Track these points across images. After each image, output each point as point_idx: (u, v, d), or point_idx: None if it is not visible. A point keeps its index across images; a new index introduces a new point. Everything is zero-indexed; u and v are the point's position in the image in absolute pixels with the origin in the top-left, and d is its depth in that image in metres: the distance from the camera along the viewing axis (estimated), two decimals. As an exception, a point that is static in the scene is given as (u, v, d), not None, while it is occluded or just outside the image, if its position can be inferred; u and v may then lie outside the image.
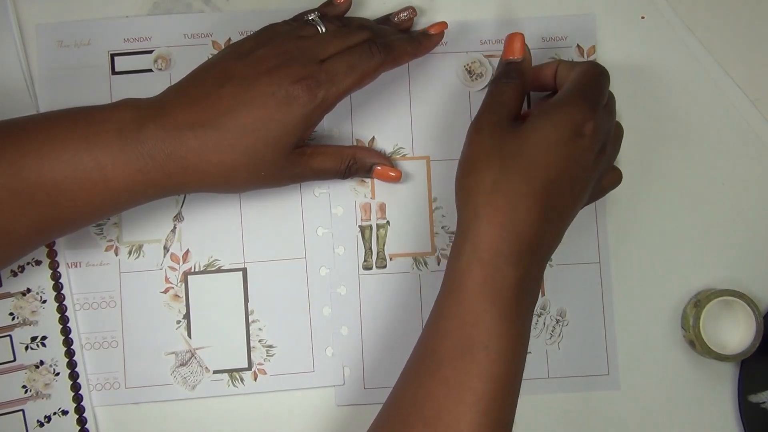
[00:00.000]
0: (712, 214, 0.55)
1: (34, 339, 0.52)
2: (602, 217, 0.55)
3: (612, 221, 0.55)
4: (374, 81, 0.49)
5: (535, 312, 0.52)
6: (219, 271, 0.53)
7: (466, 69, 0.55)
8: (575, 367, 0.54)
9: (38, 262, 0.52)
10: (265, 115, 0.45)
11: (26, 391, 0.52)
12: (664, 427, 0.54)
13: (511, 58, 0.49)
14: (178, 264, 0.54)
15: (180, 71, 0.54)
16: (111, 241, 0.54)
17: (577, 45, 0.56)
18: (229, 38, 0.55)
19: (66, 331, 0.52)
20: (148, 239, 0.54)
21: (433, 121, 0.55)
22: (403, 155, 0.55)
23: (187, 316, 0.53)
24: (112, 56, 0.55)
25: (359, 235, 0.54)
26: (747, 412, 0.53)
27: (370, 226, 0.54)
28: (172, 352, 0.53)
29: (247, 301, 0.53)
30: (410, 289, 0.54)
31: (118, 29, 0.55)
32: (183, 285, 0.53)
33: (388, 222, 0.54)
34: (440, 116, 0.55)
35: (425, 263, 0.54)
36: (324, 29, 0.49)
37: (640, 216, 0.55)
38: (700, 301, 0.52)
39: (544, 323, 0.54)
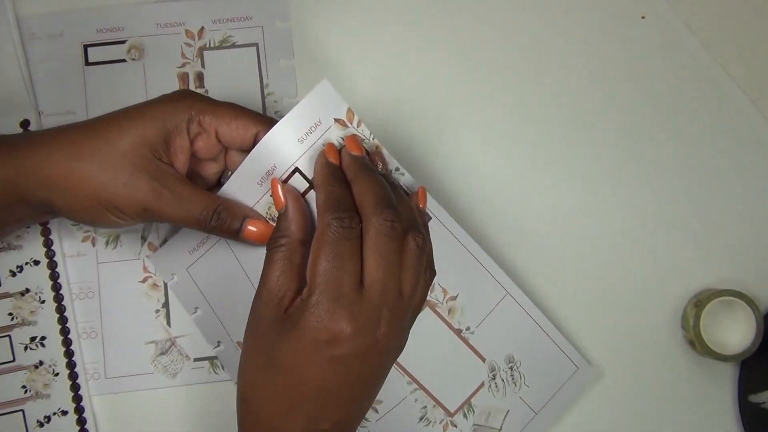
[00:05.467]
0: (712, 214, 0.55)
1: (33, 339, 0.52)
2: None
3: (607, 222, 0.55)
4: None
5: (488, 377, 0.51)
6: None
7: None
8: (550, 386, 0.53)
9: (36, 262, 0.52)
10: (125, 109, 0.44)
11: (26, 392, 0.51)
12: (665, 427, 0.54)
13: (277, 210, 0.44)
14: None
15: (153, 61, 0.54)
16: (87, 231, 0.53)
17: None
18: (202, 27, 0.55)
19: (65, 332, 0.52)
20: (125, 229, 0.53)
21: None
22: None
23: (165, 305, 0.53)
24: (85, 47, 0.55)
25: None
26: (747, 412, 0.53)
27: None
28: (152, 341, 0.53)
29: None
30: None
31: (91, 19, 0.55)
32: None
33: None
34: None
35: None
36: None
37: (640, 216, 0.55)
38: (700, 301, 0.52)
39: (502, 380, 0.52)
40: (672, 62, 0.57)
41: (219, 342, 0.52)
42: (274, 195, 0.44)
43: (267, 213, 0.47)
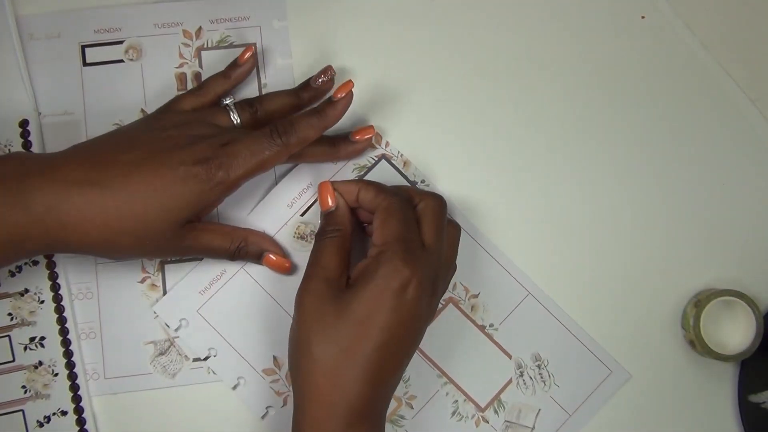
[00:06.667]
0: (712, 214, 0.55)
1: (32, 339, 0.52)
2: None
3: (608, 222, 0.55)
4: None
5: (515, 374, 0.53)
6: (195, 259, 0.53)
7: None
8: (584, 388, 0.53)
9: (35, 263, 0.52)
10: (160, 186, 0.44)
11: (26, 392, 0.52)
12: (664, 427, 0.54)
13: (324, 209, 0.49)
14: None
15: (151, 61, 0.55)
16: None
17: None
18: (200, 27, 0.55)
19: (64, 332, 0.52)
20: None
21: None
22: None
23: None
24: (83, 48, 0.55)
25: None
26: (747, 412, 0.53)
27: None
28: (151, 342, 0.53)
29: None
30: None
31: (88, 20, 0.55)
32: (160, 274, 0.53)
33: None
34: None
35: None
36: (239, 119, 0.50)
37: (639, 216, 0.55)
38: (700, 301, 0.52)
39: (530, 378, 0.53)
40: (672, 62, 0.57)
41: (239, 379, 0.52)
42: (321, 196, 0.49)
43: (295, 233, 0.52)
